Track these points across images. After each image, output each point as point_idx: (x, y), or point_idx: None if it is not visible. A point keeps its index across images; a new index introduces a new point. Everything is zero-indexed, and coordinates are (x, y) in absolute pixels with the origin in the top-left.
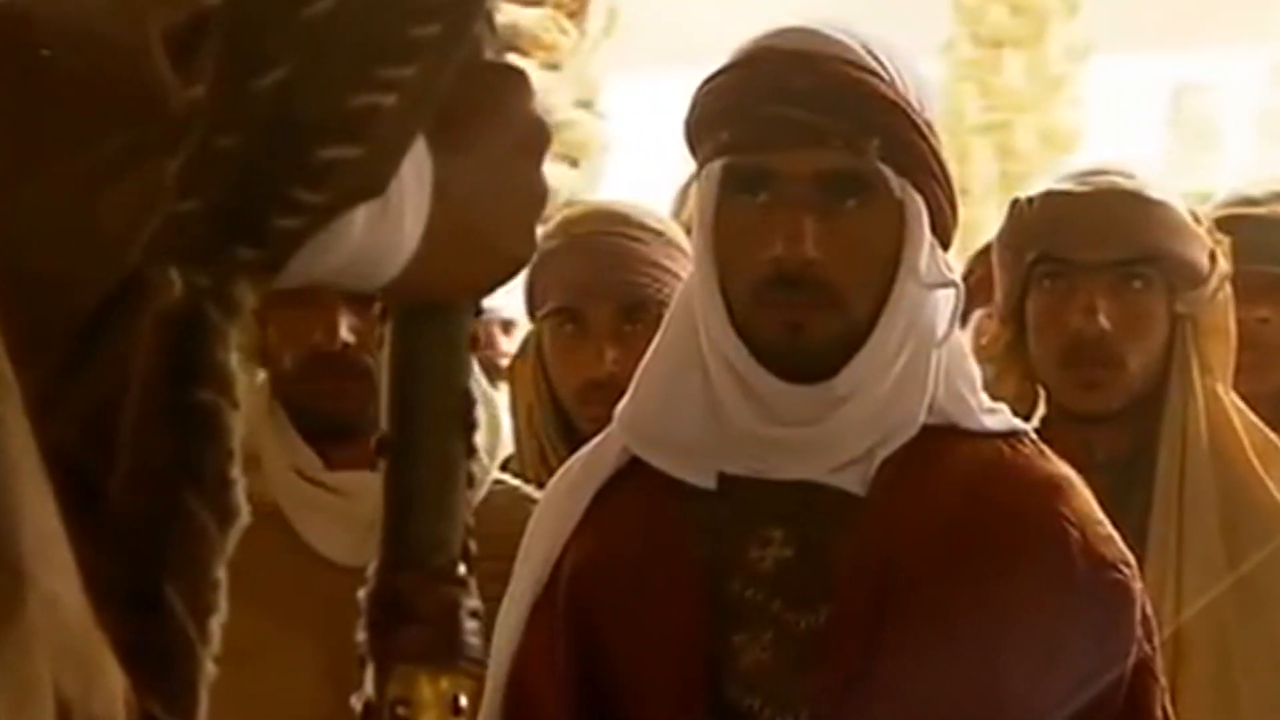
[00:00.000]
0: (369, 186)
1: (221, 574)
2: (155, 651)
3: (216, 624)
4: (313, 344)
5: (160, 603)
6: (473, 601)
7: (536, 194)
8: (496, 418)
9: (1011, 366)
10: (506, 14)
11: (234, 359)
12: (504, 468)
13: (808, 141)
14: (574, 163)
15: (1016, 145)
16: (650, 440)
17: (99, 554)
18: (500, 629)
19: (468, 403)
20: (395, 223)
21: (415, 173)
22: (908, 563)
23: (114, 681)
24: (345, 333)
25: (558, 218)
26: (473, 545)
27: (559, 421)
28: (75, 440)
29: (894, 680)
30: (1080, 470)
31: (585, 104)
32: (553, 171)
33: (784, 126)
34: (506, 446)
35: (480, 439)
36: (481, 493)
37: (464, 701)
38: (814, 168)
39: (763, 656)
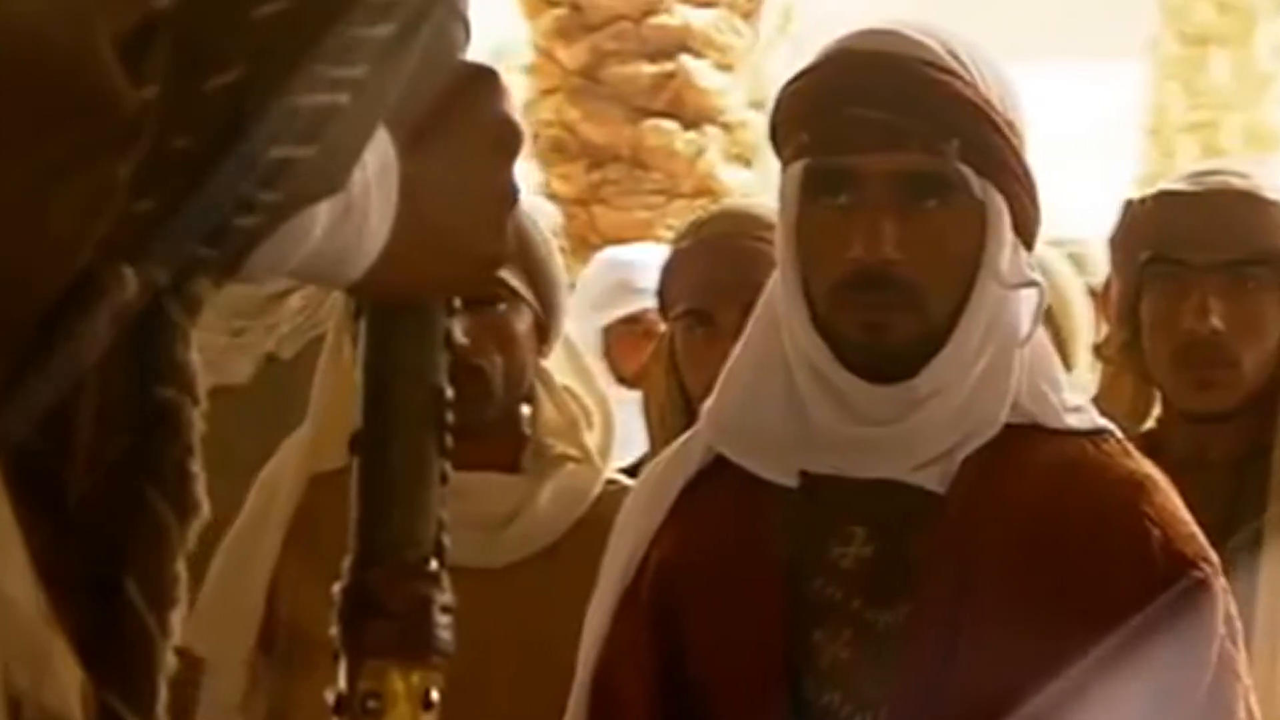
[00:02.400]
0: (324, 185)
1: (182, 568)
2: (115, 645)
3: (177, 617)
4: None
5: (120, 596)
6: (445, 596)
7: (507, 194)
8: (609, 418)
9: (1127, 367)
10: (679, 15)
11: (195, 355)
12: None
13: (887, 143)
14: (747, 163)
15: (1222, 144)
16: (734, 438)
17: (59, 548)
18: (588, 623)
19: (440, 400)
20: (359, 222)
21: (380, 172)
22: (988, 561)
23: (68, 675)
24: (458, 334)
25: (689, 220)
26: (447, 541)
27: (690, 422)
28: (33, 437)
29: (972, 678)
30: (1195, 470)
31: (758, 105)
32: (726, 172)
33: (863, 128)
34: (639, 447)
35: (593, 440)
36: (595, 491)
37: (435, 695)
38: (894, 169)
39: (842, 654)
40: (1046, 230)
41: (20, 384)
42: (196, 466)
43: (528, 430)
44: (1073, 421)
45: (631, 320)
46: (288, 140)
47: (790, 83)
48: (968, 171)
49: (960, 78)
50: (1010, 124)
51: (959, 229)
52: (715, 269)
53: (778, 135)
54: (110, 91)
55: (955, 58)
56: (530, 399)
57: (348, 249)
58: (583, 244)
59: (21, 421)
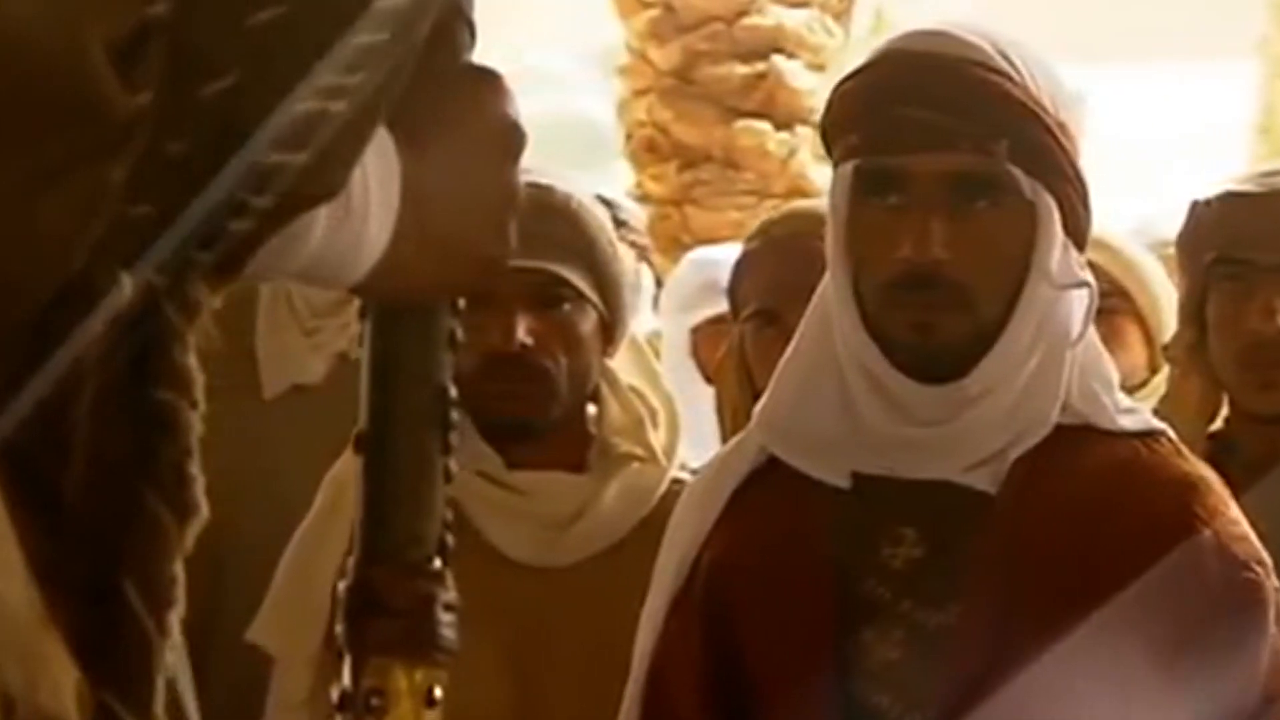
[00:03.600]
0: (319, 191)
1: (179, 569)
2: (113, 645)
3: (174, 617)
4: (491, 346)
5: (118, 597)
6: (448, 594)
7: (510, 196)
8: (675, 418)
9: (1194, 368)
10: (772, 16)
11: (192, 359)
12: None
13: (936, 144)
14: None
15: None
16: (786, 439)
17: (56, 549)
18: (643, 623)
19: (444, 400)
20: (359, 225)
21: (381, 175)
22: (1038, 562)
23: (62, 675)
24: (523, 335)
25: (760, 220)
26: (450, 540)
27: None
28: (28, 439)
29: (1024, 679)
30: (1264, 471)
31: None
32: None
33: (913, 129)
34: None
35: (659, 439)
36: (660, 490)
37: (438, 693)
38: (943, 169)
39: (892, 654)
40: (1160, 231)
41: (15, 386)
42: (195, 469)
43: (593, 430)
44: (1125, 422)
45: (719, 320)
46: (283, 146)
47: (841, 84)
48: (1017, 172)
49: (1011, 78)
50: (1061, 125)
51: (1009, 229)
52: (784, 269)
53: (829, 136)
54: (102, 97)
55: (1006, 59)
56: (596, 399)
57: (348, 252)
58: (675, 244)
59: (17, 423)
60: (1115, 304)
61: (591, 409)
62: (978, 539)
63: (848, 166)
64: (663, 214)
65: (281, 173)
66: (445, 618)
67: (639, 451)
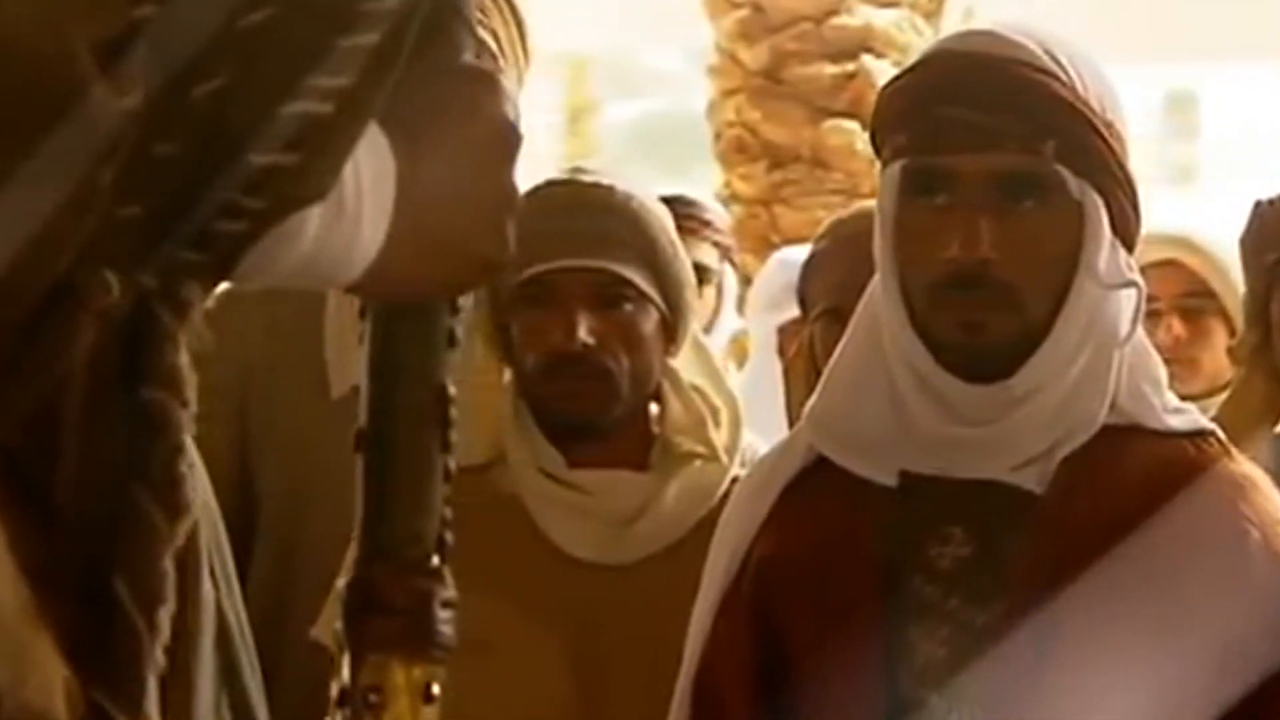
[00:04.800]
0: (309, 192)
1: (170, 566)
2: (104, 643)
3: (165, 615)
4: (553, 345)
5: (109, 595)
6: (446, 592)
7: (506, 196)
8: (737, 416)
9: (1258, 368)
10: (861, 16)
11: (184, 358)
12: None
13: (983, 144)
14: None
15: None
16: (835, 438)
17: (47, 548)
18: (693, 621)
19: (444, 399)
20: (352, 225)
21: (375, 176)
22: (1085, 561)
23: (51, 672)
24: (584, 334)
25: (830, 220)
26: (449, 538)
27: None
28: (17, 438)
29: (1068, 678)
30: None
31: None
32: None
33: (959, 129)
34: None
35: (721, 438)
36: (722, 488)
37: (436, 689)
38: (990, 169)
39: (939, 652)
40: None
41: (3, 385)
42: (185, 467)
43: (655, 428)
44: (1173, 422)
45: (805, 319)
46: (273, 147)
47: (889, 84)
48: (1065, 172)
49: (1058, 78)
50: (1109, 125)
51: (1056, 229)
52: (851, 268)
53: (877, 137)
54: (89, 98)
55: (1053, 59)
56: (658, 397)
57: (342, 252)
58: (764, 244)
59: (6, 424)
60: (1203, 305)
61: (654, 408)
62: (1024, 538)
63: (895, 166)
64: (751, 214)
65: (271, 174)
66: (443, 615)
67: (701, 450)
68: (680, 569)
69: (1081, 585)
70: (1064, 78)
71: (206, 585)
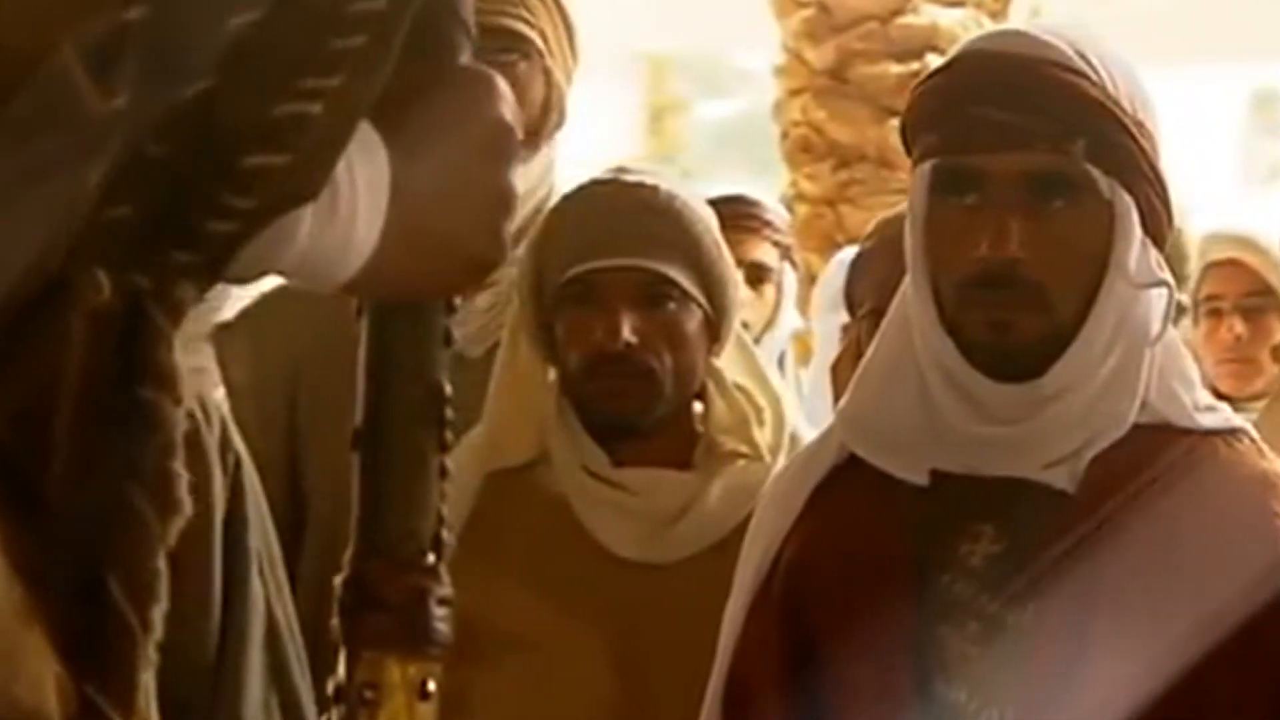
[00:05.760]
0: (299, 193)
1: (163, 564)
2: (97, 641)
3: (158, 612)
4: (596, 344)
5: (102, 593)
6: (442, 589)
7: (502, 197)
8: (781, 416)
9: None
10: (927, 15)
11: (176, 357)
12: None
13: (1013, 143)
14: None
15: None
16: (866, 437)
17: (40, 546)
18: (726, 618)
19: (439, 397)
20: (346, 225)
21: (369, 176)
22: (1116, 559)
23: (42, 668)
24: (628, 333)
25: (877, 219)
26: (446, 535)
27: None
28: (9, 436)
29: (1099, 677)
30: None
31: None
32: None
33: (989, 128)
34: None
35: (765, 437)
36: (765, 488)
37: (432, 686)
38: (1020, 169)
39: (970, 651)
40: None
41: None
42: (178, 466)
43: (699, 427)
44: (1205, 420)
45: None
46: (263, 148)
47: (920, 83)
48: (1095, 171)
49: (1087, 78)
50: (1140, 124)
51: (1086, 228)
52: (897, 268)
53: (908, 136)
54: (77, 100)
55: (1083, 58)
56: (702, 396)
57: (336, 251)
58: (829, 243)
59: None
60: (1265, 304)
61: (698, 407)
62: (1055, 536)
63: (926, 165)
64: (817, 213)
65: (261, 175)
66: (438, 612)
67: (744, 449)
68: (723, 568)
69: (1112, 583)
70: (1094, 77)
71: (255, 585)
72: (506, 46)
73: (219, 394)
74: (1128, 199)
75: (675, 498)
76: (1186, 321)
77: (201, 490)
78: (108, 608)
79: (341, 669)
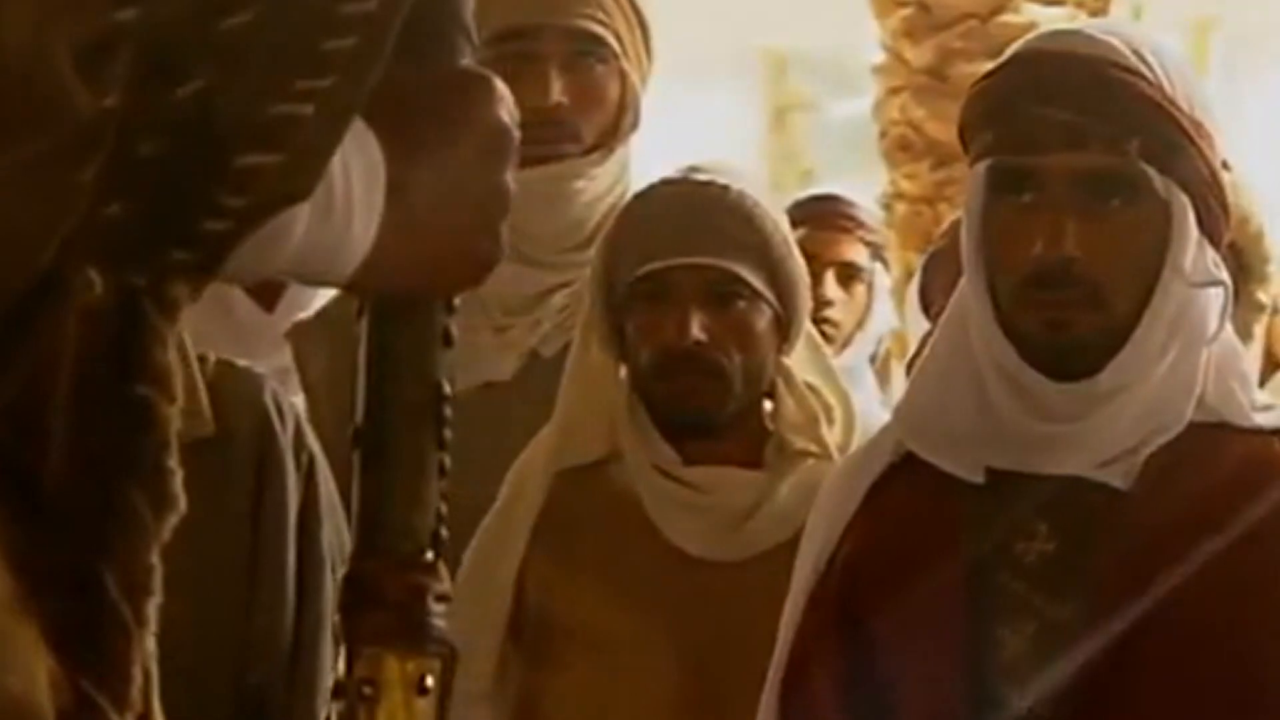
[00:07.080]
0: (292, 192)
1: (157, 560)
2: (91, 634)
3: (152, 607)
4: (666, 342)
5: (97, 587)
6: (441, 586)
7: (500, 196)
8: (851, 414)
9: None
10: (1026, 14)
11: (172, 355)
12: None
13: (1069, 143)
14: None
15: None
16: (922, 435)
17: (35, 540)
18: (784, 616)
19: (439, 396)
20: (342, 224)
21: (364, 175)
22: (1171, 558)
23: (34, 661)
24: (697, 331)
25: (950, 219)
26: (444, 533)
27: None
28: (4, 432)
29: (1155, 676)
30: None
31: None
32: None
33: (1045, 128)
34: None
35: (834, 436)
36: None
37: (430, 682)
38: (1076, 168)
39: (1025, 648)
40: None
41: None
42: (173, 462)
43: (769, 426)
44: (1261, 419)
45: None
46: (255, 148)
47: (977, 82)
48: (1151, 171)
49: (1144, 77)
50: (1196, 124)
51: (1143, 228)
52: None
53: (964, 135)
54: (67, 99)
55: (1140, 58)
56: (772, 395)
57: (332, 251)
58: (928, 242)
59: None
60: None
61: (767, 405)
62: (1110, 535)
63: (982, 165)
64: (915, 212)
65: (254, 174)
66: (437, 609)
67: (814, 448)
68: (792, 566)
69: (1167, 582)
70: (1151, 77)
71: (328, 580)
72: (582, 49)
73: (297, 396)
74: (1184, 199)
75: (745, 496)
76: (1266, 319)
77: (276, 488)
78: (103, 602)
79: (341, 665)
